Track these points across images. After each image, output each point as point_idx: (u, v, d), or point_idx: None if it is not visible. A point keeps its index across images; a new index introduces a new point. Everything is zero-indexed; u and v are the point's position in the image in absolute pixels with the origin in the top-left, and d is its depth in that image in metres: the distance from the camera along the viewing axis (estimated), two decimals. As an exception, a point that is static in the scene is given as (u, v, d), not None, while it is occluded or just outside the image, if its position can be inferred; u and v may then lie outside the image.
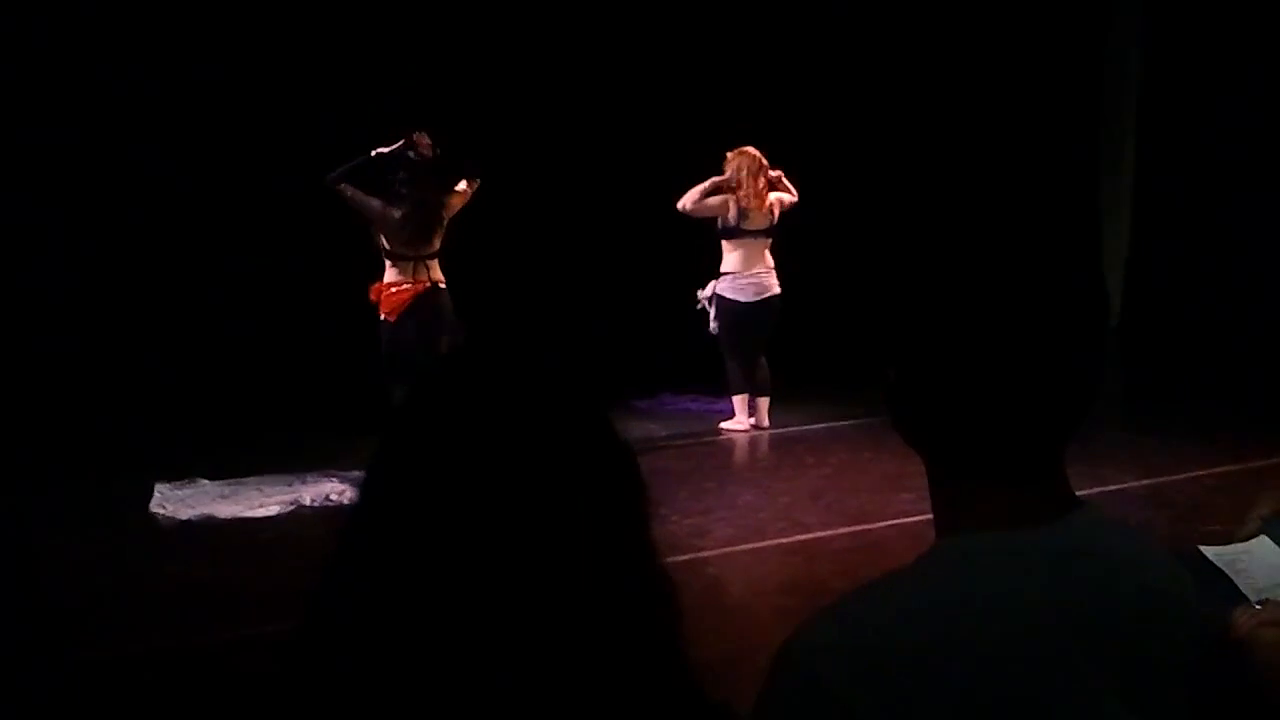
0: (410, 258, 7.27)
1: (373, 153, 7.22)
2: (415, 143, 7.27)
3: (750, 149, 8.05)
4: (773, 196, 8.06)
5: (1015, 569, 1.06)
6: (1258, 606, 1.24)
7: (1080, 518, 1.11)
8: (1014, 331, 1.07)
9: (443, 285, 7.35)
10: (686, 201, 8.01)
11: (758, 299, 8.02)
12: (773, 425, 8.34)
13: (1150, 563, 1.14)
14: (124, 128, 8.38)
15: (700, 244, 8.22)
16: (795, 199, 8.16)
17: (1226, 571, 1.45)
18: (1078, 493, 1.13)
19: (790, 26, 10.04)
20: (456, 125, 8.90)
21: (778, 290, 8.07)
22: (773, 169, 8.13)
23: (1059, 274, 1.09)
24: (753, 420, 8.31)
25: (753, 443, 8.17)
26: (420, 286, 7.26)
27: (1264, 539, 1.53)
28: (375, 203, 7.24)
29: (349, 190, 7.23)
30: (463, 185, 7.43)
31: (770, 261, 8.08)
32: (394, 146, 7.22)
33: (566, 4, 9.53)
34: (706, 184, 8.01)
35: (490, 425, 1.06)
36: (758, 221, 8.01)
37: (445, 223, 7.36)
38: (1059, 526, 1.09)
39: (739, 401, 8.28)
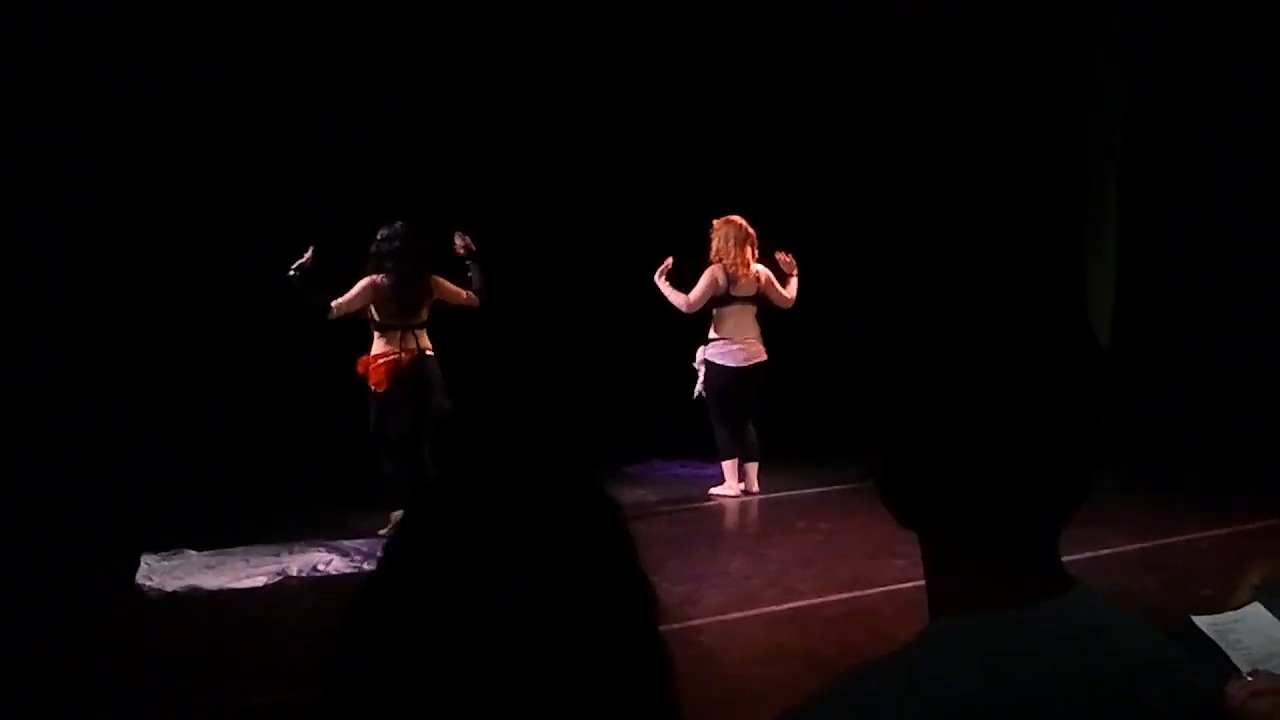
0: (397, 327, 7.26)
1: (291, 270, 7.06)
2: (452, 239, 7.40)
3: (736, 218, 8.12)
4: (759, 268, 8.13)
5: (1009, 650, 1.05)
6: (1249, 678, 1.23)
7: (1075, 596, 1.11)
8: (1015, 412, 1.07)
9: (430, 353, 7.34)
10: (684, 305, 8.08)
11: (746, 365, 8.07)
12: (763, 490, 8.32)
13: (1145, 641, 1.13)
14: (117, 154, 8.41)
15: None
16: (789, 302, 8.23)
17: (1219, 642, 1.43)
18: (1070, 557, 1.13)
19: (783, 92, 10.15)
20: (444, 184, 8.99)
21: (765, 357, 8.13)
22: (787, 253, 8.26)
23: (1057, 353, 1.09)
24: (743, 485, 8.30)
25: (743, 508, 8.15)
26: (407, 355, 7.24)
27: (1257, 607, 1.52)
28: (362, 286, 7.20)
29: (341, 305, 7.16)
30: (463, 292, 7.44)
31: (758, 329, 8.13)
32: (305, 258, 7.09)
33: (558, 59, 9.62)
34: (663, 281, 8.12)
35: (498, 505, 1.11)
36: (745, 288, 8.08)
37: (432, 294, 7.36)
38: (1054, 605, 1.09)
39: (729, 467, 8.28)
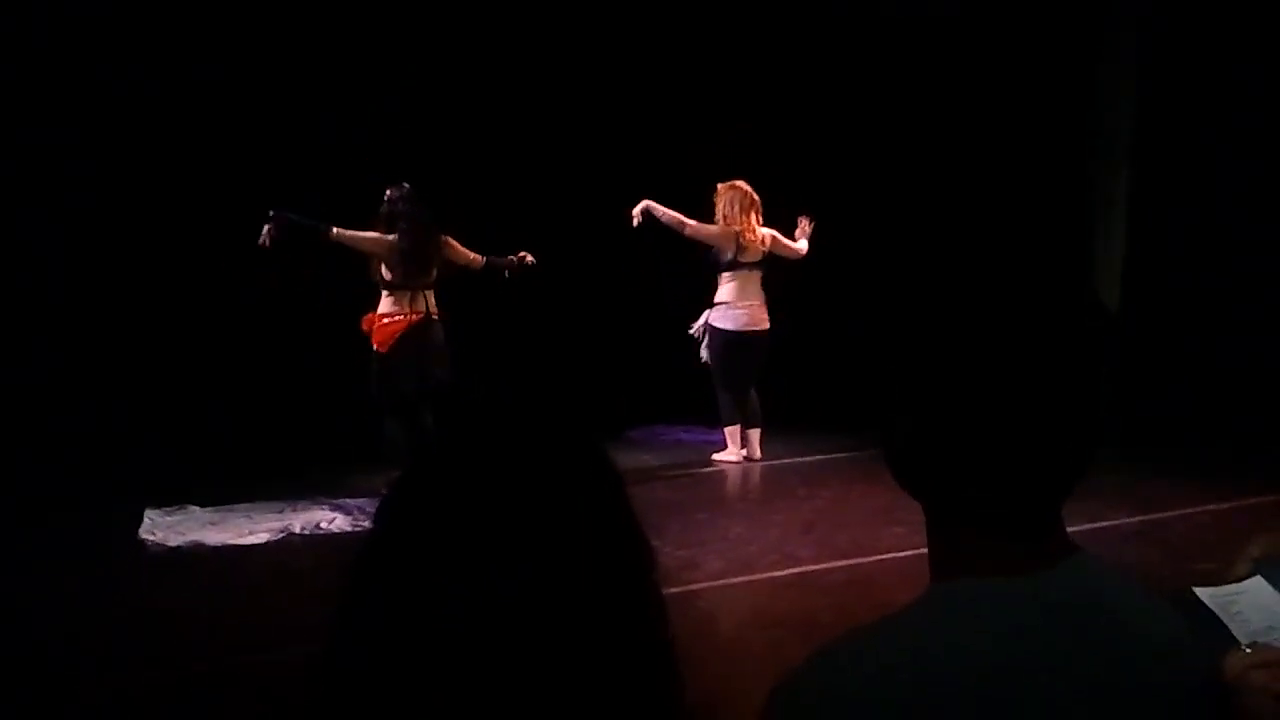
0: (407, 288, 7.28)
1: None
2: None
3: (741, 183, 8.10)
4: (765, 231, 8.12)
5: (1010, 616, 1.06)
6: (1248, 650, 1.23)
7: (1076, 564, 1.11)
8: (1021, 386, 1.07)
9: (436, 316, 7.35)
10: (681, 226, 8.04)
11: (750, 329, 8.06)
12: (765, 457, 8.34)
13: (1145, 609, 1.14)
14: (117, 154, 8.40)
15: (692, 274, 8.26)
16: (801, 253, 8.29)
17: (1219, 614, 1.43)
18: (1069, 529, 1.13)
19: (791, 69, 10.10)
20: (454, 149, 8.95)
21: (768, 325, 8.12)
22: (808, 220, 8.36)
23: (1064, 327, 1.09)
24: (745, 451, 8.31)
25: (744, 474, 8.17)
26: (414, 318, 7.25)
27: (1259, 580, 1.51)
28: (374, 235, 7.24)
29: (344, 236, 7.20)
30: (471, 254, 7.54)
31: (763, 295, 8.13)
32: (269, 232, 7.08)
33: (559, 57, 9.57)
34: (653, 206, 8.08)
35: (497, 464, 1.10)
36: (752, 255, 8.07)
37: (441, 256, 7.37)
38: (1055, 573, 1.09)
39: (731, 433, 8.28)
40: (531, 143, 9.49)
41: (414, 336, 7.24)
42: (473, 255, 7.56)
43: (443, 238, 7.39)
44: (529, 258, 7.70)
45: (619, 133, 9.64)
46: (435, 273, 7.38)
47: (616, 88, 9.68)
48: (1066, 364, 1.08)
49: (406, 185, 7.28)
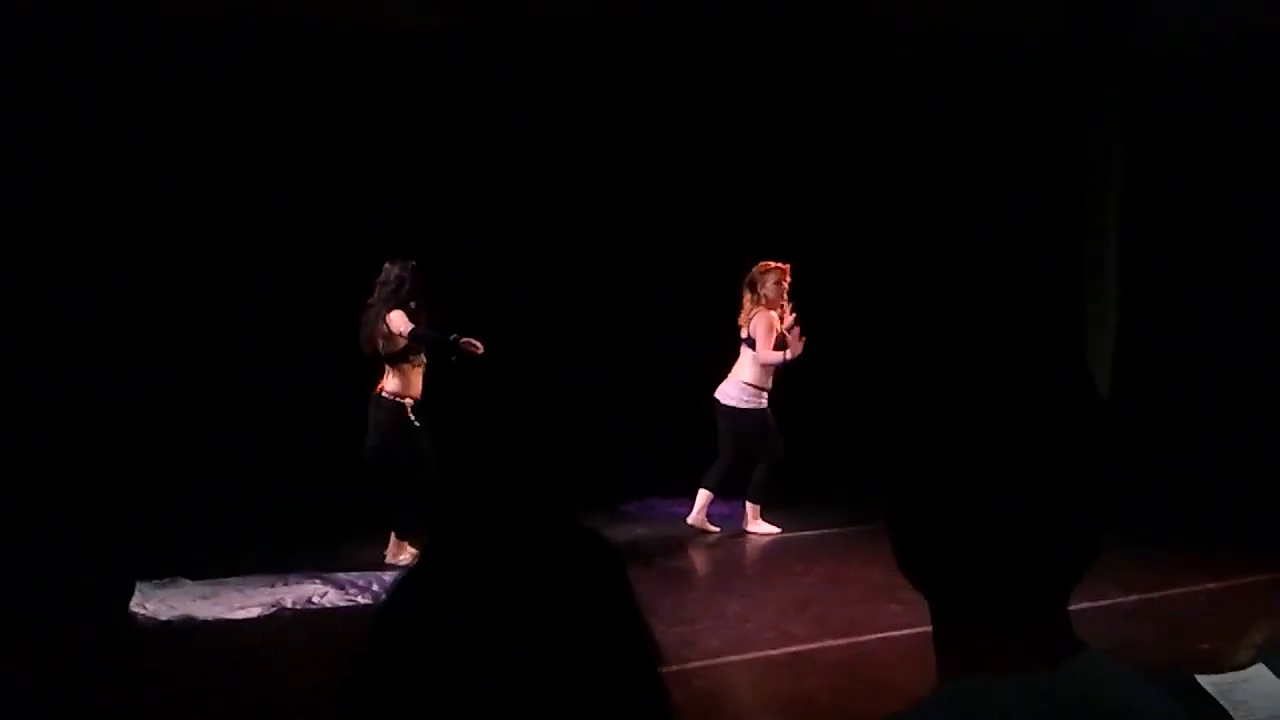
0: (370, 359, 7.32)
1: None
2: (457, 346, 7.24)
3: (763, 263, 8.18)
4: (755, 313, 8.10)
5: (1015, 716, 1.05)
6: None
7: (1082, 662, 1.10)
8: (1022, 478, 1.07)
9: (385, 395, 7.22)
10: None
11: (719, 402, 8.16)
12: (761, 531, 8.29)
13: (1152, 708, 1.13)
14: (106, 195, 8.46)
15: (692, 343, 8.32)
16: (761, 354, 8.08)
17: (1223, 702, 1.42)
18: (1068, 607, 1.13)
19: (795, 146, 10.23)
20: (447, 212, 9.02)
21: (719, 397, 8.12)
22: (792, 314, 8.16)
23: (1063, 413, 1.09)
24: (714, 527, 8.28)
25: (739, 548, 8.12)
26: (375, 391, 7.29)
27: (1261, 668, 1.51)
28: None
29: None
30: (397, 336, 7.14)
31: (737, 369, 8.13)
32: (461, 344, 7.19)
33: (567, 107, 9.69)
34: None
35: (498, 564, 1.10)
36: (743, 332, 8.15)
37: (379, 335, 7.23)
38: (1061, 671, 1.08)
39: (701, 495, 8.24)
40: (526, 242, 9.55)
41: (368, 407, 7.26)
42: (397, 331, 7.15)
43: (380, 313, 7.21)
44: (478, 346, 7.21)
45: (613, 237, 9.71)
46: (378, 349, 7.24)
47: (609, 190, 9.78)
48: (1069, 456, 1.08)
49: (389, 263, 7.31)
